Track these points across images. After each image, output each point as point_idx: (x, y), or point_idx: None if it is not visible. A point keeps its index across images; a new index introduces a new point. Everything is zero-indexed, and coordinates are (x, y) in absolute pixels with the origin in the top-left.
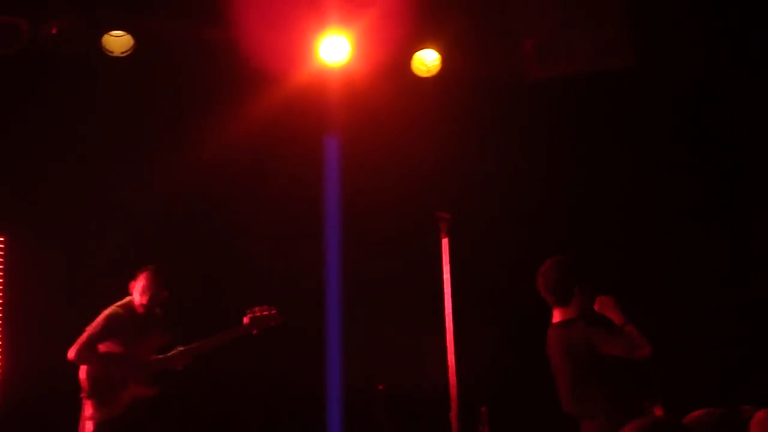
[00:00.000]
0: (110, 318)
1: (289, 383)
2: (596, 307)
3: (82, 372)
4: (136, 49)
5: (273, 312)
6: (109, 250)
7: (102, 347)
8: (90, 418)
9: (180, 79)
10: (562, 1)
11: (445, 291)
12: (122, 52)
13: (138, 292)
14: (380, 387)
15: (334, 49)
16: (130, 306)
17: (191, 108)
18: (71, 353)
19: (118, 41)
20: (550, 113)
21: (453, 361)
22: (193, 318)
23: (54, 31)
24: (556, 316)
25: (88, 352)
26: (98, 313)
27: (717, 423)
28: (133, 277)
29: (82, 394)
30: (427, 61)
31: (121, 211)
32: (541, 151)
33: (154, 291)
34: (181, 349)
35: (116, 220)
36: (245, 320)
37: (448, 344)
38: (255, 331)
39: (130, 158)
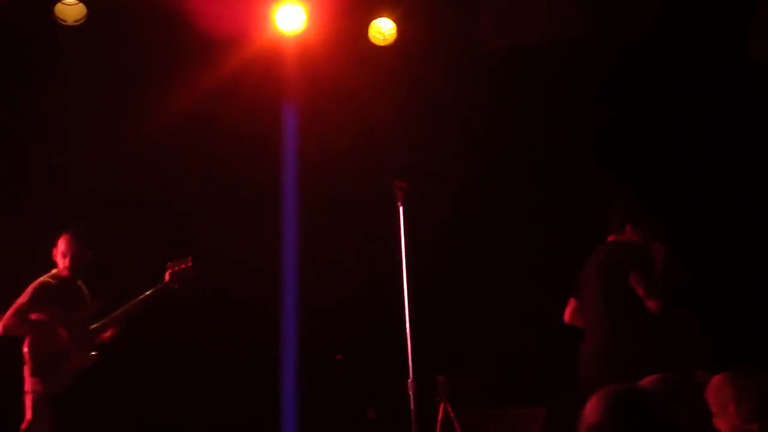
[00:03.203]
0: (38, 287)
1: (245, 355)
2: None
3: (25, 347)
4: (90, 18)
5: (190, 264)
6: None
7: (34, 317)
8: (31, 392)
9: (135, 46)
10: None
11: (402, 258)
12: (75, 21)
13: (59, 257)
14: (339, 356)
15: (290, 18)
16: (58, 275)
17: (146, 76)
18: None
19: (71, 9)
20: (504, 82)
21: (409, 329)
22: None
23: (4, 1)
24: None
25: (15, 321)
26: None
27: (672, 388)
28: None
29: (26, 371)
30: (383, 29)
31: (65, 175)
32: (496, 119)
33: (74, 252)
34: (110, 316)
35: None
36: (166, 276)
37: (405, 312)
38: (177, 285)
39: (82, 125)
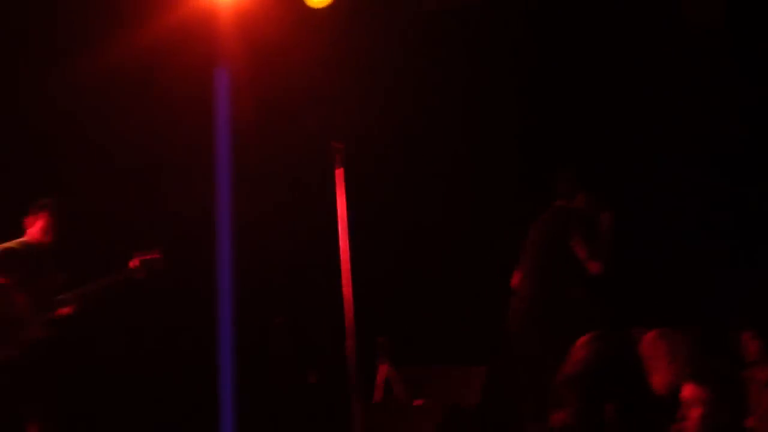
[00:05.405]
0: (1, 251)
1: (182, 320)
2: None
3: None
4: None
5: (158, 257)
6: None
7: None
8: None
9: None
10: None
11: (340, 222)
12: None
13: (41, 231)
14: (279, 319)
15: None
16: (26, 242)
17: (76, 35)
18: None
19: None
20: (443, 43)
21: (349, 292)
22: (80, 258)
23: None
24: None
25: None
26: None
27: (607, 344)
28: (26, 212)
29: None
30: None
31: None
32: (436, 81)
33: (59, 228)
34: (72, 292)
35: None
36: (132, 264)
37: (343, 275)
38: (141, 275)
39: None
